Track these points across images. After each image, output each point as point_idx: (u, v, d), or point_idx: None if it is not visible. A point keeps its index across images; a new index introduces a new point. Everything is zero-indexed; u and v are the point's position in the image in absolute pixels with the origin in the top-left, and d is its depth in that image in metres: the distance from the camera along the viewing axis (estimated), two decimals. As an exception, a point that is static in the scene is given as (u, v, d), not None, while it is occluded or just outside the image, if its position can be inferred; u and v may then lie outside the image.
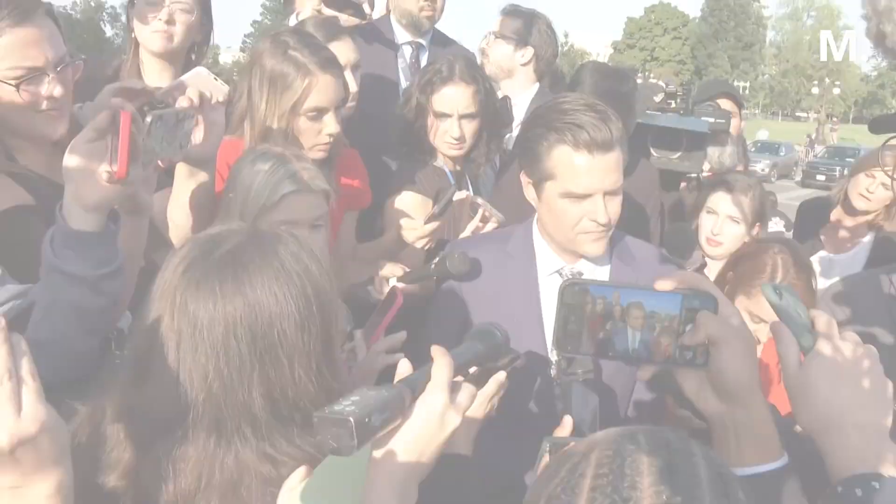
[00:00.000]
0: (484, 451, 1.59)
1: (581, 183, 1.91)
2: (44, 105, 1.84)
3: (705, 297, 1.16)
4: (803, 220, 3.98)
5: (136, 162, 1.51)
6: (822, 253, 3.57)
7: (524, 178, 2.09)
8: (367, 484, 1.07)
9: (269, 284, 1.18)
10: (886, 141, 2.87)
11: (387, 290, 2.30)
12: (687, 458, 0.85)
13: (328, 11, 3.06)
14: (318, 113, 2.30)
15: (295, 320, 1.19)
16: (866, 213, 3.53)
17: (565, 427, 1.62)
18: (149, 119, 1.60)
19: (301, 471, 1.13)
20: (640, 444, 0.86)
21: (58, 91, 1.84)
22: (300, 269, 1.22)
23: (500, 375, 1.56)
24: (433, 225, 2.50)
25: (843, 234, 3.58)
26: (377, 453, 1.07)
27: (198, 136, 1.86)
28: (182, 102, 1.76)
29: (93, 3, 56.44)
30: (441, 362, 1.13)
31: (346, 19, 3.11)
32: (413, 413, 1.09)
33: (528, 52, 3.58)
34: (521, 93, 3.58)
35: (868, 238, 3.57)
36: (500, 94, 3.72)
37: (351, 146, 2.74)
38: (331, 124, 2.33)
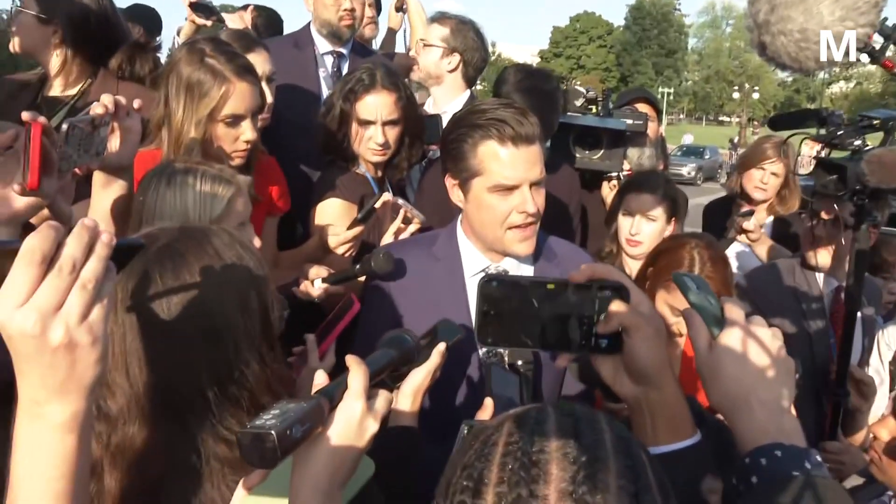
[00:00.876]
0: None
1: (508, 174, 1.96)
2: None
3: (616, 287, 1.21)
4: (711, 220, 4.23)
5: (50, 174, 1.49)
6: (736, 246, 3.72)
7: (449, 181, 2.11)
8: (292, 494, 1.08)
9: (207, 272, 1.21)
10: (787, 137, 3.03)
11: (313, 291, 2.30)
12: (592, 424, 0.89)
13: (199, 21, 3.09)
14: (236, 119, 2.30)
15: (235, 304, 1.23)
16: (764, 201, 3.99)
17: (486, 410, 1.66)
18: (65, 126, 1.59)
19: (257, 473, 1.14)
20: (548, 414, 0.90)
21: None
22: (234, 256, 1.26)
23: (441, 346, 1.70)
24: (356, 230, 2.51)
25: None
26: (299, 463, 1.09)
27: (114, 143, 1.83)
28: (97, 109, 1.73)
29: (4, 16, 54.66)
30: (356, 371, 1.16)
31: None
32: (332, 422, 1.11)
33: (455, 58, 3.62)
34: (451, 100, 3.64)
35: (768, 223, 3.97)
36: (431, 100, 3.77)
37: (272, 155, 2.73)
38: (248, 131, 2.32)
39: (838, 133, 2.47)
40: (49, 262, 0.86)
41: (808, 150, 3.08)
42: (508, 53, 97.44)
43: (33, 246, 0.85)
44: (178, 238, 1.26)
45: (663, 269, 2.55)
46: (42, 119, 1.50)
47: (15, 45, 2.74)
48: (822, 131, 2.51)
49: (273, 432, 0.97)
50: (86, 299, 0.88)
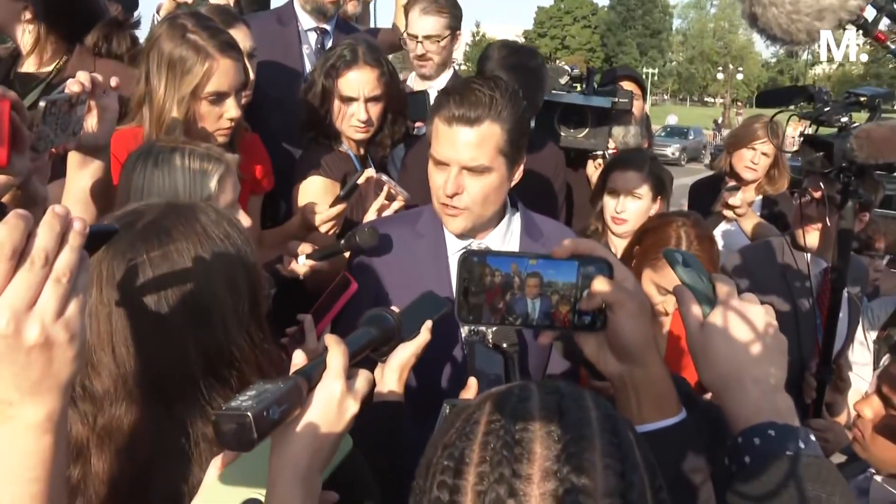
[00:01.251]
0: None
1: (438, 149, 1.98)
2: None
3: (600, 263, 1.18)
4: (697, 200, 4.23)
5: (20, 151, 1.45)
6: (723, 225, 3.72)
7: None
8: (271, 478, 1.05)
9: (195, 249, 1.19)
10: (774, 115, 3.03)
11: (298, 268, 2.26)
12: (577, 402, 0.87)
13: None
14: (219, 97, 2.25)
15: (223, 282, 1.21)
16: (754, 181, 4.01)
17: (470, 389, 1.64)
18: (42, 104, 1.54)
19: (220, 457, 1.13)
20: (531, 392, 0.88)
21: None
22: (222, 233, 1.23)
23: (429, 323, 1.69)
24: (339, 208, 2.48)
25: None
26: (278, 446, 1.06)
27: (90, 122, 1.78)
28: (73, 87, 1.67)
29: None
30: (335, 351, 1.13)
31: None
32: (311, 403, 1.08)
33: (456, 38, 3.60)
34: (437, 76, 3.62)
35: (757, 201, 3.99)
36: (412, 76, 3.73)
37: (254, 132, 2.69)
38: (232, 108, 2.28)
39: (825, 110, 2.46)
40: (20, 255, 0.82)
41: (791, 131, 3.09)
42: (493, 33, 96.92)
43: (2, 239, 0.80)
44: (164, 214, 1.23)
45: (650, 248, 2.54)
46: (11, 94, 1.44)
47: None
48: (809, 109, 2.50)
49: (249, 414, 0.94)
50: (60, 294, 0.84)
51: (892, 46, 1.70)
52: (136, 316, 1.16)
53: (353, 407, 1.11)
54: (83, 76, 1.71)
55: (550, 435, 0.81)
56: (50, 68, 2.67)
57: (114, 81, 1.79)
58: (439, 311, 1.74)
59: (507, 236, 2.14)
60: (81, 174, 1.87)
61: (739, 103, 73.48)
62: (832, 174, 2.47)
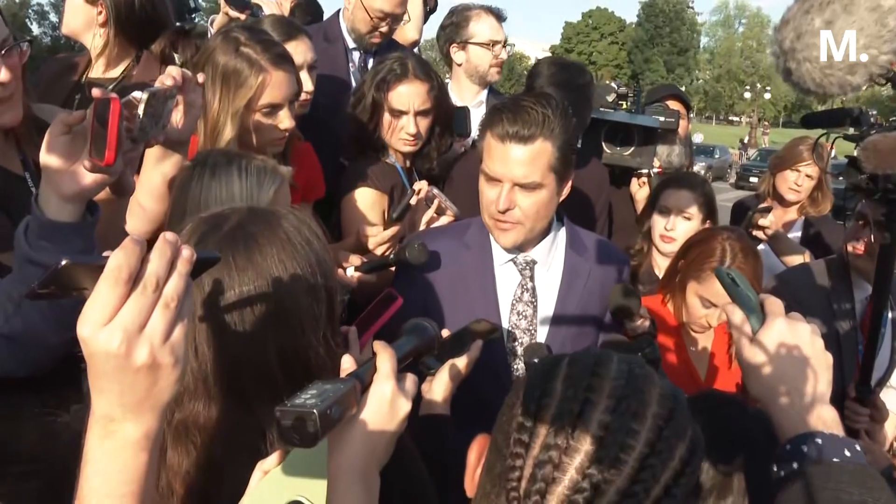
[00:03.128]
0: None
1: (491, 166, 2.01)
2: None
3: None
4: (740, 217, 4.14)
5: (120, 149, 1.47)
6: (761, 246, 3.68)
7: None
8: (330, 479, 1.08)
9: (278, 254, 1.22)
10: (818, 139, 3.00)
11: (345, 278, 2.28)
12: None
13: (233, 14, 3.05)
14: (273, 109, 2.27)
15: (304, 288, 1.23)
16: (796, 203, 4.01)
17: None
18: (145, 96, 1.56)
19: (275, 455, 1.15)
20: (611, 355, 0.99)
21: (3, 76, 1.74)
22: (303, 240, 1.26)
23: (479, 343, 1.81)
24: (393, 230, 2.50)
25: (778, 224, 3.80)
26: (336, 447, 1.09)
27: (176, 117, 1.79)
28: (166, 81, 1.68)
29: (17, 0, 54.47)
30: (384, 354, 1.17)
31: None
32: (365, 403, 1.11)
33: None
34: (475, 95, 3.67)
35: (799, 223, 4.00)
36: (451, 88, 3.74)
37: (312, 143, 2.71)
38: (285, 120, 2.30)
39: (870, 132, 2.44)
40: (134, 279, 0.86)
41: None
42: (520, 48, 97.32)
43: (120, 263, 0.85)
44: (249, 219, 1.26)
45: (695, 261, 2.55)
46: (115, 95, 1.47)
47: (63, 25, 2.75)
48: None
49: (315, 411, 0.96)
50: (168, 318, 0.88)
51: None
52: (219, 316, 1.19)
53: (405, 406, 1.14)
54: (175, 70, 1.72)
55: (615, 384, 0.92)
56: (116, 73, 2.71)
57: (201, 77, 1.81)
58: (490, 334, 1.84)
59: (552, 250, 2.18)
60: (159, 168, 1.86)
61: (766, 123, 73.05)
62: (877, 196, 2.45)
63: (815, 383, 1.18)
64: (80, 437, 1.05)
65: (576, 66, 3.25)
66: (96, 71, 2.71)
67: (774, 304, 1.25)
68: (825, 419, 1.15)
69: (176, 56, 2.88)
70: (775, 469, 1.15)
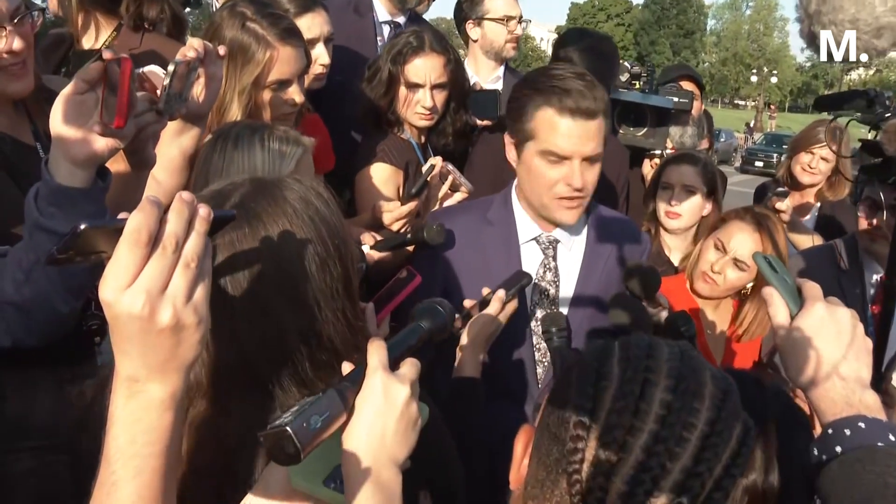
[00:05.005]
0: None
1: (560, 144, 1.96)
2: (3, 60, 1.74)
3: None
4: (759, 202, 4.12)
5: (131, 113, 1.45)
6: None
7: (508, 139, 2.12)
8: (346, 482, 1.05)
9: (285, 229, 1.15)
10: (831, 121, 2.99)
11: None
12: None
13: None
14: (282, 85, 2.24)
15: (316, 262, 1.17)
16: (812, 186, 3.97)
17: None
18: (172, 67, 1.55)
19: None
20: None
21: (17, 45, 1.73)
22: (311, 211, 1.19)
23: (514, 302, 1.95)
24: (411, 205, 2.46)
25: (794, 207, 3.81)
26: (344, 451, 1.06)
27: (197, 90, 1.76)
28: (188, 53, 1.65)
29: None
30: (373, 349, 1.12)
31: None
32: (361, 401, 1.08)
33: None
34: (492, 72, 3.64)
35: (816, 207, 3.99)
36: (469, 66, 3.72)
37: (328, 118, 2.68)
38: (295, 95, 2.27)
39: (886, 115, 2.41)
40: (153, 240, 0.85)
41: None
42: (525, 29, 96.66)
43: (139, 225, 0.84)
44: (251, 195, 1.18)
45: (722, 220, 2.71)
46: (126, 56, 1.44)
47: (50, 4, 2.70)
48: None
49: (288, 428, 0.94)
50: (190, 279, 0.88)
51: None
52: (228, 303, 1.12)
53: (401, 392, 1.09)
54: (197, 42, 1.69)
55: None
56: (100, 45, 2.66)
57: (222, 50, 1.78)
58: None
59: (574, 228, 2.16)
60: (177, 141, 1.84)
61: (772, 107, 72.68)
62: (891, 180, 2.43)
63: (856, 367, 1.18)
64: (89, 409, 1.05)
65: (601, 36, 3.28)
66: (84, 44, 2.63)
67: (813, 288, 1.24)
68: (868, 403, 1.15)
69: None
70: (815, 452, 1.14)
